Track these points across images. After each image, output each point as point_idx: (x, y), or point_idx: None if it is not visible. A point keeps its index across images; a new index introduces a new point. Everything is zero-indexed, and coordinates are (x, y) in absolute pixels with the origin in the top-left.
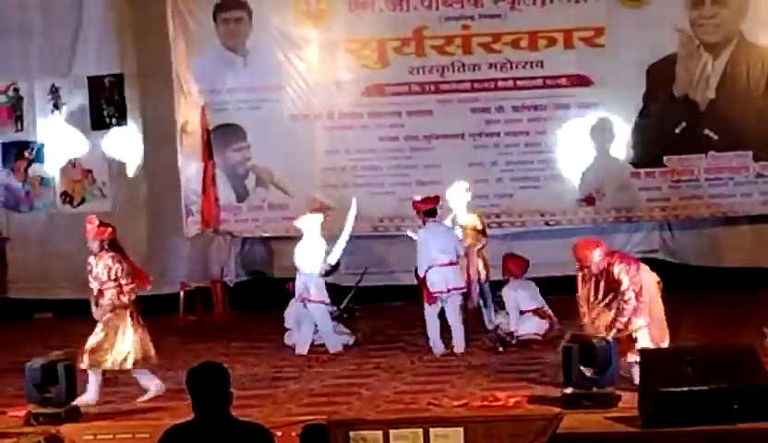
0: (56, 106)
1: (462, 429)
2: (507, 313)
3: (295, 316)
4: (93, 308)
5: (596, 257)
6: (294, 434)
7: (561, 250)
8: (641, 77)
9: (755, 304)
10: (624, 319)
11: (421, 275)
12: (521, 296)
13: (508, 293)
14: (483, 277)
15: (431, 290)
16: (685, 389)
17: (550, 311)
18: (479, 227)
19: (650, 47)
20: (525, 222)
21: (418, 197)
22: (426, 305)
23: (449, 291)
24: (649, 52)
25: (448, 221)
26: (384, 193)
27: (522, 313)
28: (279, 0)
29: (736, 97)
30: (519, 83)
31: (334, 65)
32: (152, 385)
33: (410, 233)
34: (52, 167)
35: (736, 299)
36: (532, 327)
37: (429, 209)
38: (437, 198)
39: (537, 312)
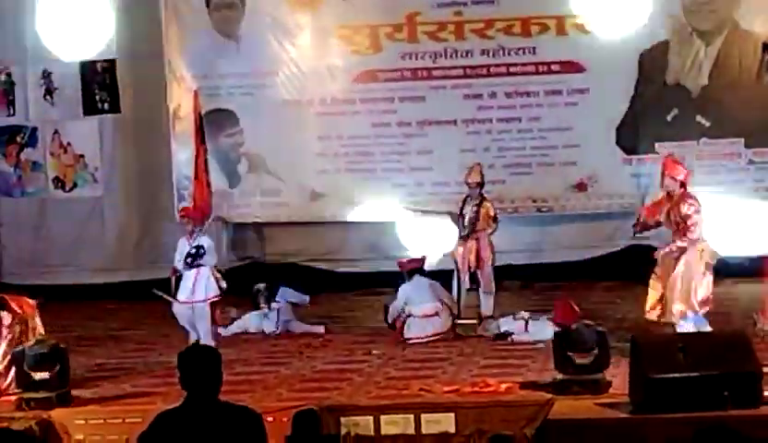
0: (49, 91)
1: (453, 415)
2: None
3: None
4: None
5: (681, 172)
6: (285, 419)
7: (552, 236)
8: (633, 63)
9: (744, 290)
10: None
11: (390, 322)
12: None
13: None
14: (489, 261)
15: (407, 336)
16: (676, 375)
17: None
18: (491, 213)
19: (642, 34)
20: (517, 209)
21: (404, 259)
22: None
23: (426, 337)
24: (641, 38)
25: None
26: (376, 179)
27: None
28: None
29: (728, 84)
30: (511, 69)
31: (327, 52)
32: None
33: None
34: (44, 152)
35: (725, 286)
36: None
37: (414, 268)
38: (423, 259)
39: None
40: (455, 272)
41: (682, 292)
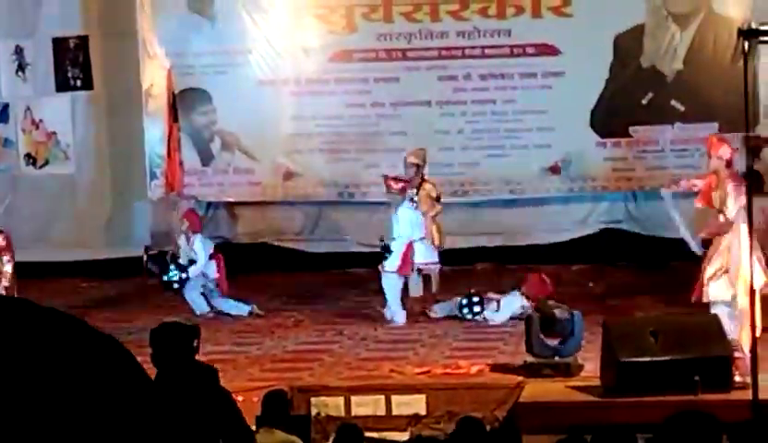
0: (21, 67)
1: (424, 396)
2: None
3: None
4: None
5: (727, 152)
6: (255, 399)
7: (526, 219)
8: (608, 47)
9: None
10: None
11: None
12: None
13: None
14: (437, 243)
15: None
16: (647, 359)
17: None
18: (433, 194)
19: (618, 17)
20: (491, 191)
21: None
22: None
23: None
24: (617, 22)
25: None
26: (350, 159)
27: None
28: None
29: (703, 68)
30: (486, 51)
31: (301, 31)
32: None
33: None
34: (15, 128)
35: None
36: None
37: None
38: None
39: None
40: None
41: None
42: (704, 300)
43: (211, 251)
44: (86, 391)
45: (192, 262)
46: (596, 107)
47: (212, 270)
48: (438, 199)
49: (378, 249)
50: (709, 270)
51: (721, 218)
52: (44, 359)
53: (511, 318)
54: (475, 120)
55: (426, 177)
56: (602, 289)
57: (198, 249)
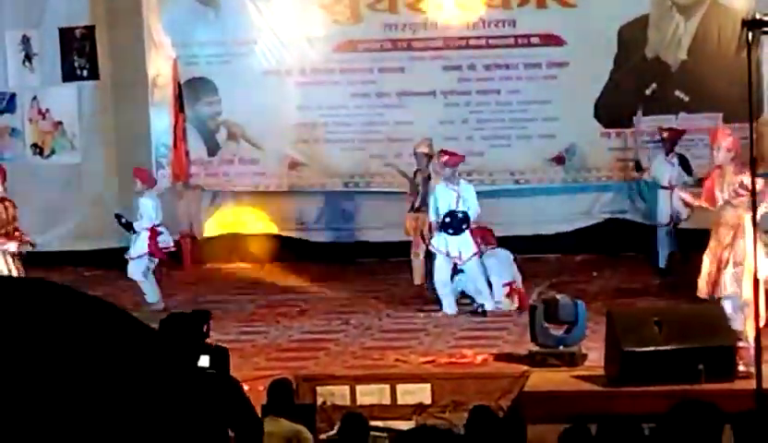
0: (27, 57)
1: (429, 386)
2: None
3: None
4: None
5: (730, 142)
6: (261, 388)
7: (530, 209)
8: (612, 37)
9: None
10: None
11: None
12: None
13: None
14: None
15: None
16: (651, 348)
17: (522, 288)
18: None
19: (622, 8)
20: (495, 181)
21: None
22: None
23: None
24: (621, 12)
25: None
26: (355, 149)
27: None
28: None
29: (707, 59)
30: (491, 42)
31: (307, 21)
32: None
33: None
34: (22, 118)
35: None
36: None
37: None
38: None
39: (510, 286)
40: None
41: None
42: (717, 295)
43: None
44: (127, 379)
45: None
46: (600, 97)
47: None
48: None
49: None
50: (711, 265)
51: (730, 211)
52: (88, 347)
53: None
54: (480, 110)
55: (438, 162)
56: (606, 279)
57: (144, 205)
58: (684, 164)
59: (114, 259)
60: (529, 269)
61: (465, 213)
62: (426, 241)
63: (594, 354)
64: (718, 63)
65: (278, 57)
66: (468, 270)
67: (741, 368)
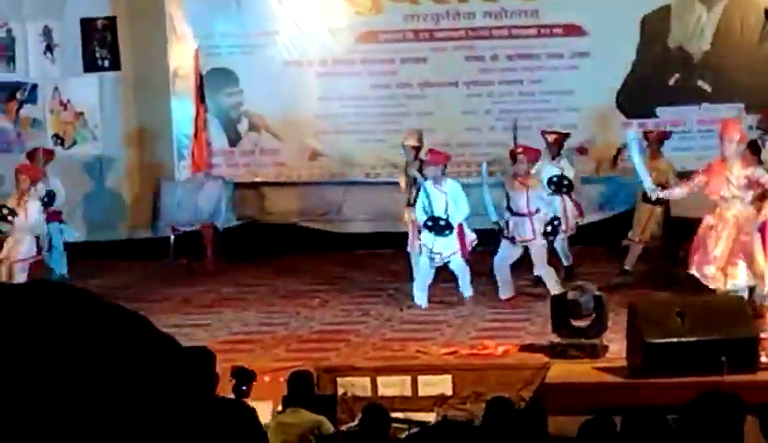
0: (49, 48)
1: (450, 377)
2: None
3: None
4: None
5: (737, 135)
6: (281, 379)
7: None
8: (635, 27)
9: None
10: None
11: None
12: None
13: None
14: None
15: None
16: (673, 340)
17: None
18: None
19: None
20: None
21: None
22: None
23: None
24: (644, 2)
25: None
26: (376, 140)
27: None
28: None
29: (730, 49)
30: (513, 32)
31: (328, 12)
32: None
33: None
34: (43, 109)
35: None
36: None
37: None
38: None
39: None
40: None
41: None
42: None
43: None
44: (138, 390)
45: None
46: (623, 88)
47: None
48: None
49: None
50: (721, 256)
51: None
52: (100, 354)
53: None
54: (502, 101)
55: (423, 159)
56: (629, 269)
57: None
58: None
59: (137, 250)
60: (549, 261)
61: (447, 221)
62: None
63: (616, 346)
64: (741, 53)
65: (299, 48)
66: (455, 263)
67: (764, 359)
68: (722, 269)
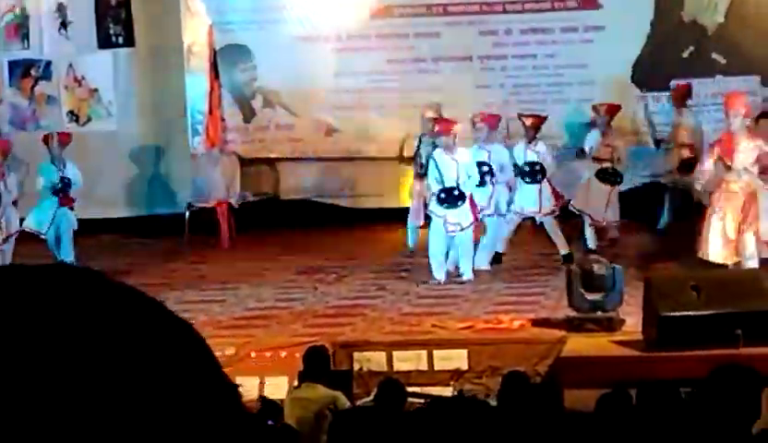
0: (63, 25)
1: (465, 351)
2: None
3: None
4: None
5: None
6: (297, 355)
7: (568, 174)
8: (649, 0)
9: None
10: None
11: None
12: None
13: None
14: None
15: None
16: (689, 313)
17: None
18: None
19: None
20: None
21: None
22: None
23: None
24: None
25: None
26: (391, 115)
27: None
28: None
29: (744, 21)
30: (527, 6)
31: None
32: None
33: None
34: (58, 86)
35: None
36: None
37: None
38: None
39: None
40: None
41: None
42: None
43: None
44: (150, 380)
45: None
46: (637, 61)
47: None
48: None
49: None
50: (728, 230)
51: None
52: (111, 340)
53: None
54: (516, 75)
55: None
56: (643, 243)
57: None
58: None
59: (153, 226)
60: (566, 234)
61: (461, 191)
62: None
63: (632, 320)
64: (755, 26)
65: (314, 23)
66: (461, 239)
67: None
68: (732, 242)
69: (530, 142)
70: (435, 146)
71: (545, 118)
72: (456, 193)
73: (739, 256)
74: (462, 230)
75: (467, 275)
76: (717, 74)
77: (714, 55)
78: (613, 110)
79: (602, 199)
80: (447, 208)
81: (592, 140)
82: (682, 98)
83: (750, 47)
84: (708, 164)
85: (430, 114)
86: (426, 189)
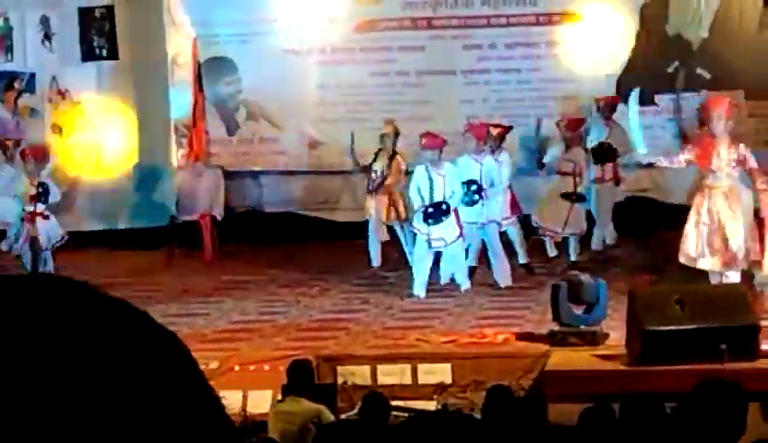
0: (47, 37)
1: (449, 365)
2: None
3: None
4: None
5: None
6: (281, 368)
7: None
8: (634, 15)
9: None
10: None
11: None
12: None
13: None
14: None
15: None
16: (673, 327)
17: None
18: (402, 167)
19: None
20: (516, 160)
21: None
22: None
23: None
24: None
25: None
26: (374, 129)
27: None
28: None
29: (729, 36)
30: (511, 20)
31: (327, 0)
32: None
33: None
34: (42, 98)
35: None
36: None
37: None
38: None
39: None
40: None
41: None
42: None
43: None
44: (133, 390)
45: None
46: (622, 76)
47: None
48: (406, 173)
49: None
50: (695, 236)
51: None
52: (97, 350)
53: None
54: (500, 89)
55: (396, 149)
56: (627, 257)
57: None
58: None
59: (136, 239)
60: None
61: (447, 205)
62: (401, 219)
63: (616, 334)
64: (740, 40)
65: (298, 36)
66: (451, 253)
67: (764, 347)
68: (717, 250)
69: (493, 152)
70: (392, 159)
71: (510, 128)
72: (444, 207)
73: (725, 263)
74: (446, 245)
75: (464, 285)
76: (702, 89)
77: (699, 70)
78: (573, 125)
79: (562, 215)
80: (432, 223)
81: (552, 155)
82: (611, 111)
83: (735, 62)
84: (682, 158)
85: (387, 130)
86: (410, 203)
